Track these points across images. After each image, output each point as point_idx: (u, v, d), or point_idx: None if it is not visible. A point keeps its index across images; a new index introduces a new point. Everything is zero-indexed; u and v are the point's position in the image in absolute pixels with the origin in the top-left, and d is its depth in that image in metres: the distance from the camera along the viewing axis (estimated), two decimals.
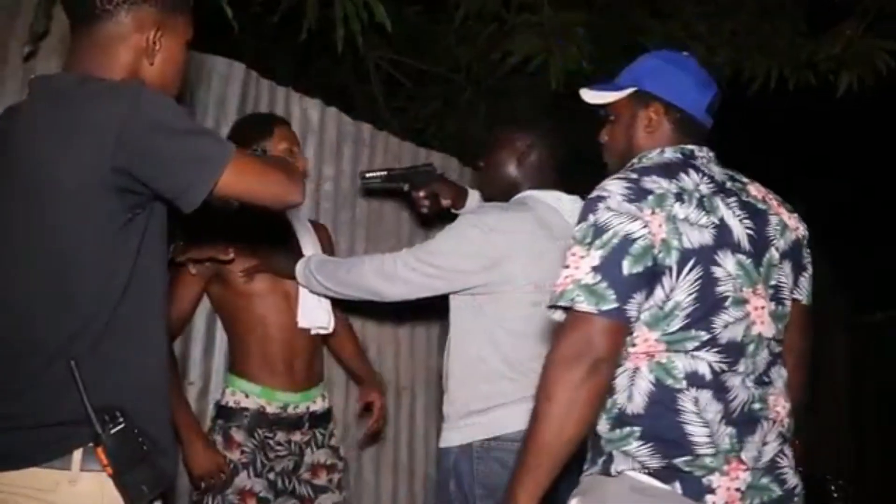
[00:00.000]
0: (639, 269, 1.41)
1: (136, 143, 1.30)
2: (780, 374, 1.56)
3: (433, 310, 2.25)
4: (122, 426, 1.30)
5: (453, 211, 2.53)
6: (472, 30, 4.48)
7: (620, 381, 1.48)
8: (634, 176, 1.50)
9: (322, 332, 2.42)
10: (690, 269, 1.45)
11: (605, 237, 1.42)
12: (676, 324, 1.45)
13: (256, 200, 1.46)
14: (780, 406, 1.53)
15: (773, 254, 1.56)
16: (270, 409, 2.31)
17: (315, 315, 2.38)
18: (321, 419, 2.43)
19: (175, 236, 2.02)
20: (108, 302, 1.35)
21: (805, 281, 1.66)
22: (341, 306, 2.54)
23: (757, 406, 1.49)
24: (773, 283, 1.55)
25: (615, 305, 1.39)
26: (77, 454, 1.30)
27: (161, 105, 1.35)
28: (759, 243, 1.54)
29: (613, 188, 1.48)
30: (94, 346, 1.33)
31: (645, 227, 1.43)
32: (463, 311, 2.17)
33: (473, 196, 2.54)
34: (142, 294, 1.39)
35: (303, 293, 2.35)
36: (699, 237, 1.46)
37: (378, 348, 3.14)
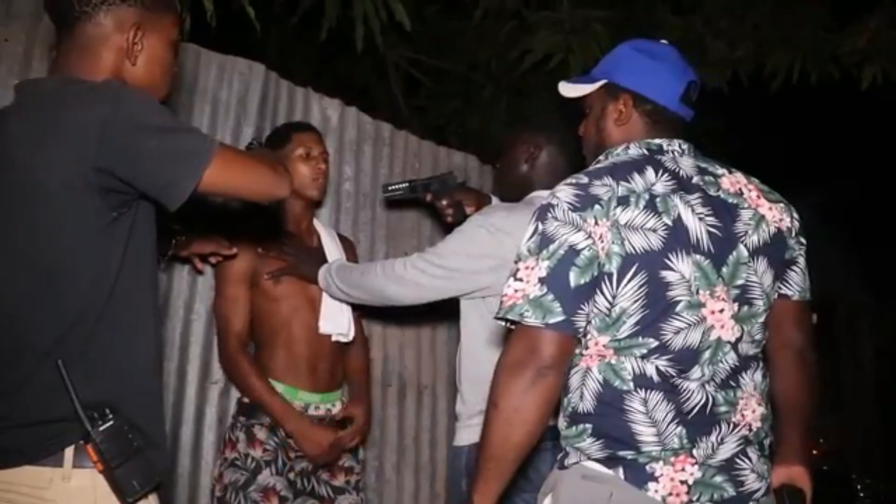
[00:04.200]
0: (585, 279, 1.41)
1: (117, 142, 1.30)
2: (752, 378, 1.51)
3: (454, 310, 2.25)
4: (111, 423, 1.31)
5: None
6: (491, 28, 4.48)
7: (574, 381, 1.49)
8: (585, 180, 1.47)
9: (342, 339, 2.45)
10: (633, 276, 1.42)
11: (552, 248, 1.42)
12: (625, 330, 1.43)
13: (242, 195, 1.46)
14: (748, 410, 1.48)
15: (742, 251, 1.50)
16: None
17: (336, 322, 2.42)
18: (340, 423, 2.44)
19: (175, 232, 2.05)
20: (97, 301, 1.35)
21: (796, 275, 1.60)
22: (363, 313, 2.56)
23: (722, 409, 1.45)
24: (739, 282, 1.49)
25: (561, 318, 1.40)
26: (68, 451, 1.32)
27: (140, 104, 1.35)
28: (724, 241, 1.48)
29: (562, 196, 1.46)
30: (84, 344, 1.34)
31: (588, 237, 1.41)
32: (471, 312, 2.18)
33: (496, 202, 2.54)
34: (131, 292, 1.39)
35: (325, 299, 2.39)
36: (644, 242, 1.43)
37: (399, 347, 3.15)
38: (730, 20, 4.27)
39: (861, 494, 5.55)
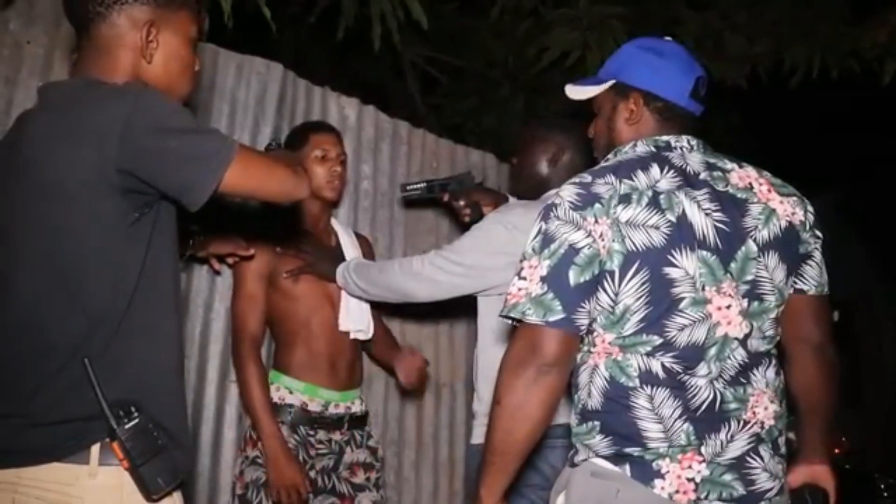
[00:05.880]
0: (586, 277, 1.42)
1: (138, 144, 1.32)
2: (763, 375, 1.49)
3: (472, 307, 2.26)
4: (136, 421, 1.32)
5: None
6: (508, 25, 4.47)
7: (582, 379, 1.50)
8: (588, 179, 1.49)
9: (361, 336, 2.46)
10: (635, 273, 1.43)
11: (553, 247, 1.44)
12: (630, 328, 1.44)
13: (262, 196, 1.47)
14: (760, 407, 1.47)
15: (751, 246, 1.48)
16: (312, 407, 2.34)
17: (355, 319, 2.43)
18: (360, 421, 2.45)
19: (193, 232, 2.06)
20: (120, 301, 1.36)
21: (812, 270, 1.58)
22: (383, 310, 2.57)
23: (731, 406, 1.44)
24: (748, 278, 1.48)
25: (561, 316, 1.41)
26: (94, 449, 1.33)
27: (161, 105, 1.36)
28: (732, 237, 1.47)
29: (565, 195, 1.48)
30: (106, 344, 1.35)
31: (588, 235, 1.43)
32: (487, 310, 2.18)
33: (513, 201, 2.54)
34: (153, 291, 1.40)
35: (344, 297, 2.41)
36: (645, 239, 1.43)
37: (418, 346, 3.14)
38: (748, 15, 4.23)
39: (885, 494, 5.50)
